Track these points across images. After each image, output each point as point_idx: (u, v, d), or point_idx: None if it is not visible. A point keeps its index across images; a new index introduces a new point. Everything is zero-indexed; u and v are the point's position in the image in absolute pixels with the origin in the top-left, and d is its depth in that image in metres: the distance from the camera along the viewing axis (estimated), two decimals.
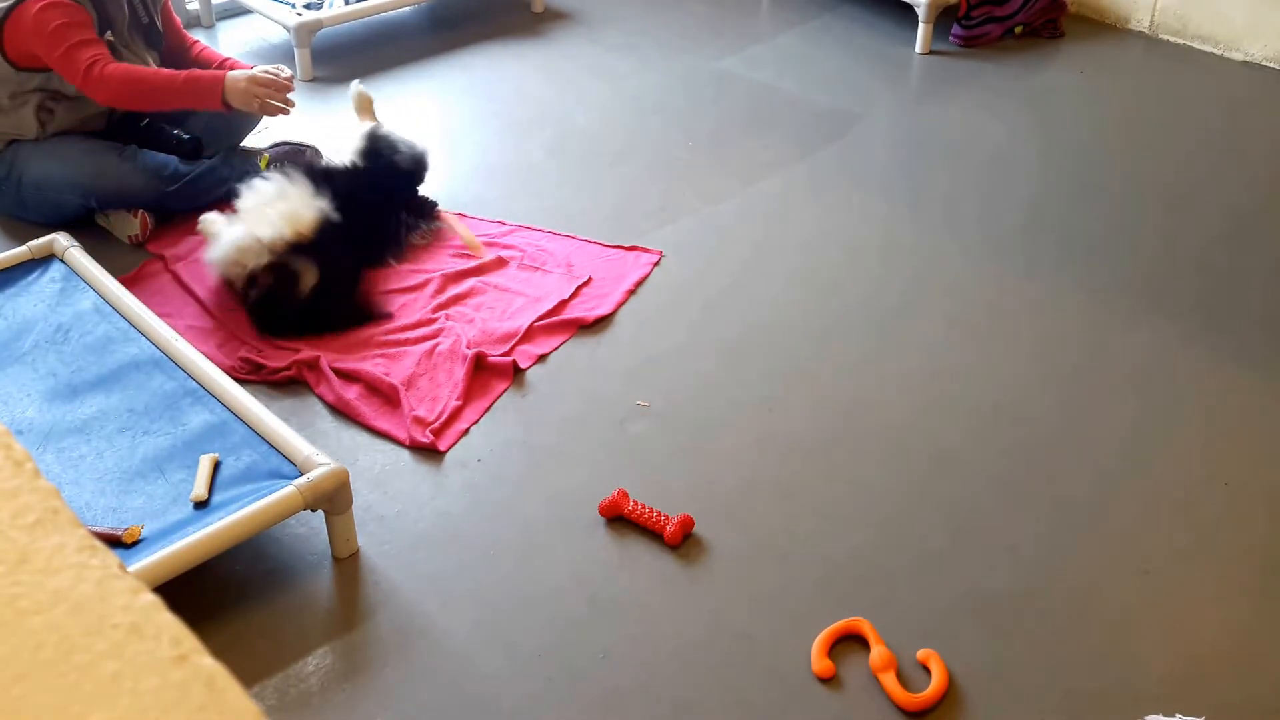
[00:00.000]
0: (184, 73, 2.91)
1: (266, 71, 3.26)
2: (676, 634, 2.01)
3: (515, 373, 2.62)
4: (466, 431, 2.45)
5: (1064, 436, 2.49)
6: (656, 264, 3.04)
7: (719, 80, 4.13)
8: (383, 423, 2.46)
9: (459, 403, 2.51)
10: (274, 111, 2.94)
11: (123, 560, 0.77)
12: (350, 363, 2.61)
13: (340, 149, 3.11)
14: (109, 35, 2.92)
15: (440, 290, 2.88)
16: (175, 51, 3.27)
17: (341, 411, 2.51)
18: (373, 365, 2.60)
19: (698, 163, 3.57)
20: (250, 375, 2.57)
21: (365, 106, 3.26)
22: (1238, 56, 4.34)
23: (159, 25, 3.14)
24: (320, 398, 2.54)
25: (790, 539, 2.21)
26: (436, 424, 2.45)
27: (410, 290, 2.89)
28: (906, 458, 2.42)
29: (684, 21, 4.61)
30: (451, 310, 2.82)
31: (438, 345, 2.67)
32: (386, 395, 2.53)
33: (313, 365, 2.60)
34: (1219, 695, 1.91)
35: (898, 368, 2.69)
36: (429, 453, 2.39)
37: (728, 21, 4.62)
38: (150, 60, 3.09)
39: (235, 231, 2.72)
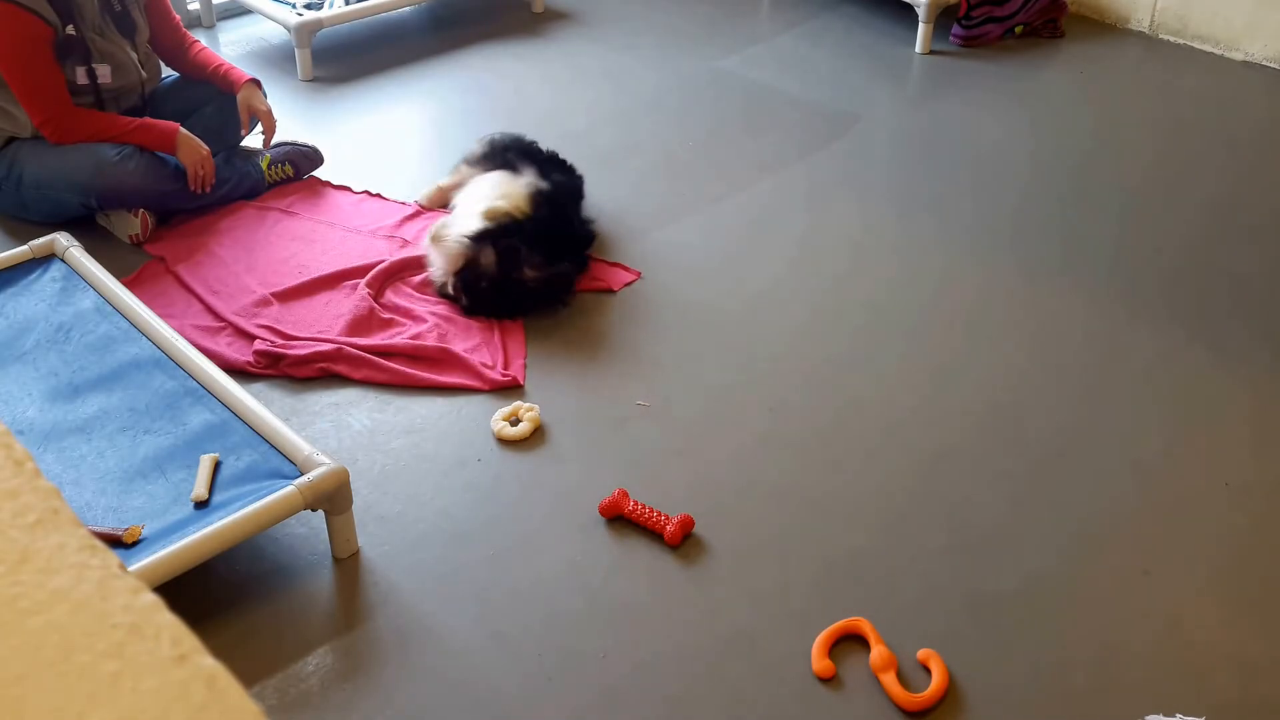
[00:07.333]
0: (137, 122, 3.01)
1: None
2: (676, 634, 2.01)
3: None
4: (525, 366, 2.62)
5: (1064, 436, 2.49)
6: (629, 284, 2.95)
7: (719, 80, 4.13)
8: (452, 377, 2.56)
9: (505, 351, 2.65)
10: (194, 182, 3.05)
11: (123, 560, 0.77)
12: (378, 343, 2.67)
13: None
14: (70, 29, 2.89)
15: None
16: (173, 51, 3.26)
17: (396, 384, 2.56)
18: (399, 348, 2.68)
19: (697, 162, 3.57)
20: (269, 369, 2.57)
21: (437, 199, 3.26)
22: (1238, 56, 4.34)
23: (134, 15, 3.09)
24: (365, 381, 2.57)
25: (790, 539, 2.21)
26: (500, 367, 2.58)
27: (418, 289, 2.90)
28: (906, 458, 2.42)
29: (684, 21, 4.62)
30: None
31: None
32: (434, 358, 2.61)
33: (339, 356, 2.60)
34: (1219, 695, 1.91)
35: (898, 367, 2.69)
36: (429, 452, 2.39)
37: (728, 21, 4.62)
38: (127, 48, 3.06)
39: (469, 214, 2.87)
